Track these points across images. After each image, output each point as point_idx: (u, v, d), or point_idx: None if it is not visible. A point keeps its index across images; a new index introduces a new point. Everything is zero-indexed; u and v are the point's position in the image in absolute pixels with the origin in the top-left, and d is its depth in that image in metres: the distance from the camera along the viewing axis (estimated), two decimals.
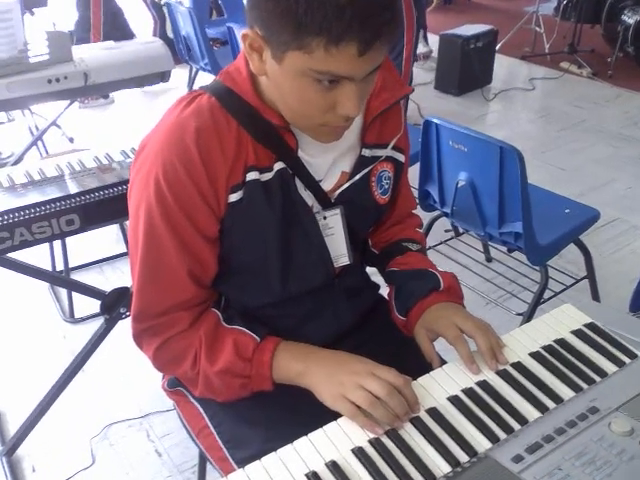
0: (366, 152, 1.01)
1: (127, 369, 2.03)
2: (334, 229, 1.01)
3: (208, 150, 0.86)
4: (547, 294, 1.98)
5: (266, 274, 0.97)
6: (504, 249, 2.35)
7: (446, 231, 2.61)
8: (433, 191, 2.07)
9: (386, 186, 1.06)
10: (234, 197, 0.89)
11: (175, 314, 0.94)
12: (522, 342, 0.98)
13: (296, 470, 0.79)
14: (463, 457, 0.80)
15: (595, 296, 2.09)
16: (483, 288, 2.27)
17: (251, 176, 0.90)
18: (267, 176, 0.92)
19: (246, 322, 0.96)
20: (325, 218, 1.00)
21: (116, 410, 1.90)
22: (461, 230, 2.58)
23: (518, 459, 0.77)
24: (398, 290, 1.10)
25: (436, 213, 2.30)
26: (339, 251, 1.03)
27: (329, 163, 0.98)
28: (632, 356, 0.95)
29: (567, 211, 2.03)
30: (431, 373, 0.94)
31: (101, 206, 1.40)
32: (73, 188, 1.43)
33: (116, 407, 1.91)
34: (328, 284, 1.04)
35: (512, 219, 1.84)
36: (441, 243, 2.48)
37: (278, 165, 0.92)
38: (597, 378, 0.91)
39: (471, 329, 0.96)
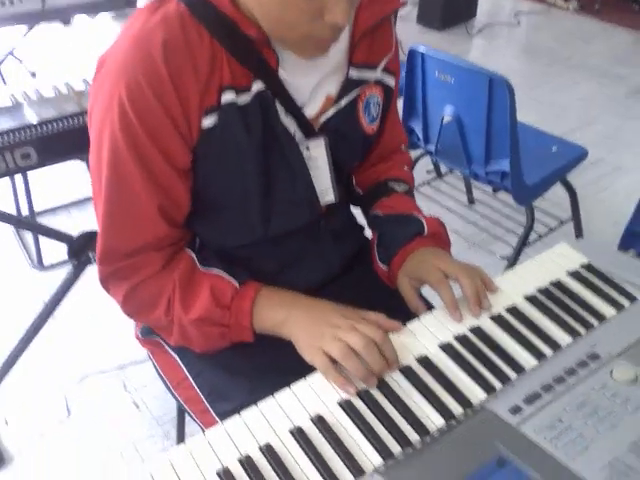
0: (354, 74, 0.91)
1: (101, 318, 1.96)
2: (318, 162, 0.93)
3: (178, 67, 0.76)
4: (531, 237, 1.93)
5: (245, 211, 0.88)
6: (488, 190, 2.30)
7: (428, 172, 2.54)
8: (417, 127, 1.99)
9: (374, 114, 0.97)
10: (208, 122, 0.80)
11: (145, 255, 0.86)
12: (517, 285, 0.93)
13: (279, 425, 0.73)
14: (457, 409, 0.75)
15: (580, 238, 2.05)
16: (466, 231, 2.22)
17: (227, 97, 0.80)
18: (245, 99, 0.82)
19: (224, 264, 0.89)
20: (308, 149, 0.91)
21: (90, 361, 1.84)
22: (443, 171, 2.52)
23: (516, 410, 0.73)
24: (380, 237, 1.02)
25: (419, 152, 2.22)
26: (323, 187, 0.95)
27: (312, 85, 0.88)
28: (632, 299, 0.90)
29: (554, 149, 1.97)
30: (420, 318, 0.88)
31: (61, 138, 1.28)
32: (29, 119, 1.31)
33: (90, 358, 1.85)
34: (313, 224, 0.96)
35: (499, 156, 1.77)
36: (423, 184, 2.41)
37: (256, 86, 0.82)
38: (596, 323, 0.86)
39: (455, 271, 0.89)
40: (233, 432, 0.73)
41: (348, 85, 0.91)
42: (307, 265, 0.99)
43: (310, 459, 0.70)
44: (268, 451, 0.70)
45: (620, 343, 0.81)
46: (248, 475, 0.68)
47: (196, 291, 0.86)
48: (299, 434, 0.72)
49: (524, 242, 1.85)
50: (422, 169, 2.50)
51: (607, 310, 0.88)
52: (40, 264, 2.17)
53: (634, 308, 0.88)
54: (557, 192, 2.00)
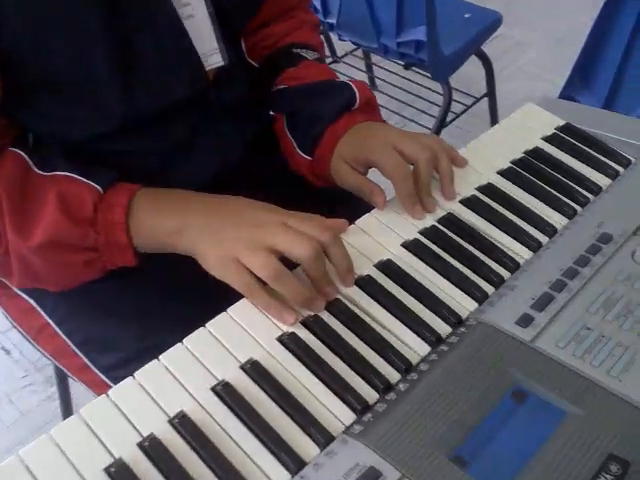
0: None
1: None
2: (192, 8, 0.63)
3: None
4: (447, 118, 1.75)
5: (90, 83, 0.58)
6: (393, 69, 2.07)
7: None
8: None
9: None
10: None
11: None
12: (485, 156, 0.72)
13: (196, 382, 0.49)
14: (444, 328, 0.54)
15: (494, 116, 1.90)
16: None
17: None
18: None
19: (76, 166, 0.59)
20: None
21: None
22: (340, 53, 2.25)
23: (525, 321, 0.53)
24: (294, 117, 0.75)
25: None
26: (206, 45, 0.66)
27: None
28: (626, 163, 0.71)
29: (467, 16, 1.75)
30: (373, 212, 0.65)
31: None
32: None
33: None
34: (199, 97, 0.67)
35: (413, 24, 1.53)
36: None
37: None
38: (591, 197, 0.67)
39: (416, 152, 0.64)
40: (124, 403, 0.47)
41: None
42: (196, 157, 0.71)
43: (247, 426, 0.46)
44: (182, 425, 0.46)
45: (631, 218, 0.63)
46: (154, 463, 0.44)
47: (35, 204, 0.57)
48: (226, 392, 0.48)
49: (442, 121, 1.66)
50: None
51: (601, 179, 0.69)
52: None
53: (632, 173, 0.70)
54: (464, 70, 1.81)
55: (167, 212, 0.58)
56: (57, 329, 0.69)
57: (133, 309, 0.67)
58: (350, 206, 0.74)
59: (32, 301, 0.70)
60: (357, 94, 0.72)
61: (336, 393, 0.49)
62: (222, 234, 0.55)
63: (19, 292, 0.71)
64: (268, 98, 0.78)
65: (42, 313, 0.70)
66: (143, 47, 0.59)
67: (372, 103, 0.75)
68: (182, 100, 0.66)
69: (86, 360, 0.67)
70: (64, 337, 0.69)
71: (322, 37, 2.11)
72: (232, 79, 0.72)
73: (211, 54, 0.68)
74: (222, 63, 0.68)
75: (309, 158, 0.72)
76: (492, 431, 0.45)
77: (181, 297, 0.64)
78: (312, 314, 0.54)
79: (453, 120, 1.78)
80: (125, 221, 0.57)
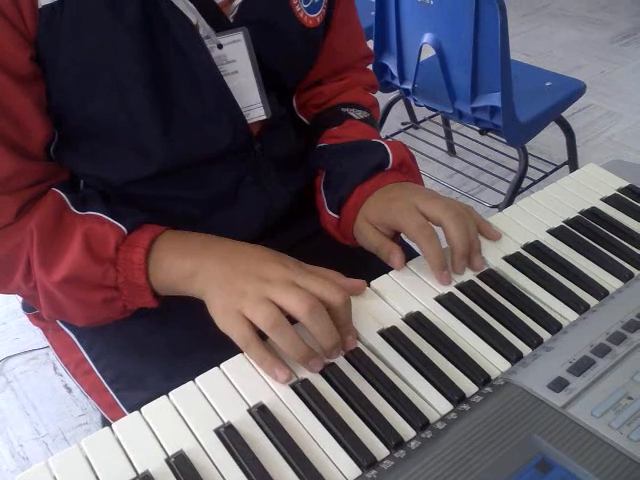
0: None
1: None
2: (237, 65, 0.65)
3: None
4: (524, 184, 1.70)
5: (132, 129, 0.60)
6: (471, 135, 2.06)
7: (403, 124, 2.29)
8: (390, 63, 1.72)
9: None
10: None
11: None
12: (536, 215, 0.68)
13: (198, 423, 0.47)
14: (469, 387, 0.50)
15: None
16: (451, 181, 1.97)
17: None
18: None
19: (115, 209, 0.62)
20: (220, 47, 0.63)
21: (13, 340, 1.57)
22: (419, 118, 2.28)
23: (560, 385, 0.48)
24: (327, 176, 0.73)
25: (392, 96, 1.96)
26: (248, 99, 0.67)
27: None
28: None
29: (548, 84, 1.72)
30: (409, 263, 0.63)
31: None
32: None
33: (13, 336, 1.58)
34: (243, 149, 0.68)
35: (488, 90, 1.51)
36: (399, 132, 2.15)
37: None
38: None
39: (439, 211, 0.61)
40: (123, 435, 0.47)
41: None
42: (242, 206, 0.71)
43: (244, 471, 0.44)
44: (178, 464, 0.45)
45: None
46: None
47: (63, 241, 0.59)
48: (228, 434, 0.46)
49: (517, 187, 1.62)
50: (396, 120, 2.24)
51: None
52: None
53: None
54: (547, 135, 1.77)
55: (185, 255, 0.59)
56: (92, 365, 0.70)
57: (164, 348, 0.67)
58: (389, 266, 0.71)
59: (73, 336, 0.73)
60: (390, 155, 0.70)
61: (343, 445, 0.46)
62: (231, 286, 0.55)
63: (62, 326, 0.74)
64: (312, 158, 0.77)
65: (80, 348, 0.72)
66: (183, 98, 0.61)
67: (408, 164, 0.73)
68: (225, 151, 0.67)
69: (115, 398, 0.68)
70: (98, 373, 0.70)
71: (402, 102, 2.13)
72: (279, 133, 0.73)
73: (254, 108, 0.69)
74: (265, 117, 0.69)
75: (336, 217, 0.71)
76: None
77: (211, 339, 0.63)
78: (330, 361, 0.52)
79: (529, 186, 1.72)
80: (144, 262, 0.58)
